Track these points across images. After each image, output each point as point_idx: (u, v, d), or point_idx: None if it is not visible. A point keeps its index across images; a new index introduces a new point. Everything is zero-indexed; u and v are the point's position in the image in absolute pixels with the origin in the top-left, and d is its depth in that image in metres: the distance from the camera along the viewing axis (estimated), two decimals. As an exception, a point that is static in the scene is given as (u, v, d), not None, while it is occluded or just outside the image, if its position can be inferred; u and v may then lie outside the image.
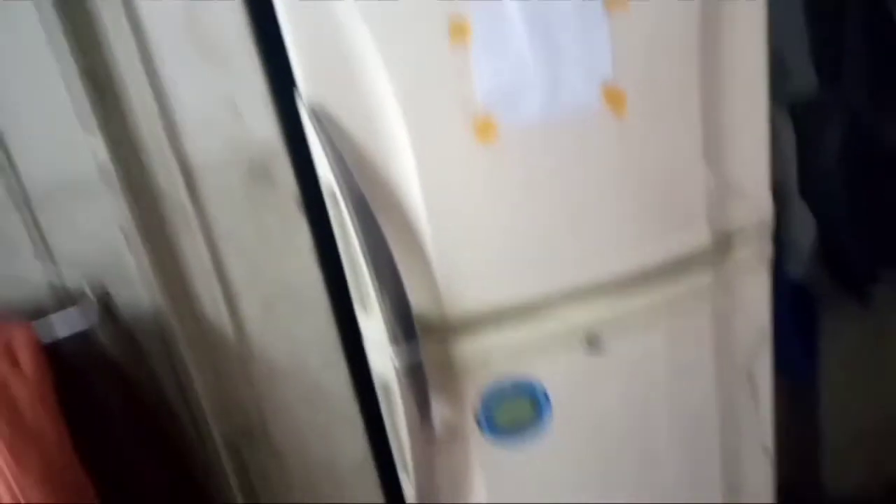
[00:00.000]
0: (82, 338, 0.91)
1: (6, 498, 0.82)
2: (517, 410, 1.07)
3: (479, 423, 1.07)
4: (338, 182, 0.93)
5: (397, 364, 0.98)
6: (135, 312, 0.96)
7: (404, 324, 0.97)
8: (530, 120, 0.97)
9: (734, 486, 1.24)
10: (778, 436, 1.26)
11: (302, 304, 1.01)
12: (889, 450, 1.69)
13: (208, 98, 0.91)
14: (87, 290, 0.91)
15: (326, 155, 0.93)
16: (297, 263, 0.99)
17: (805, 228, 1.38)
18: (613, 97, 0.99)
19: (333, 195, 0.95)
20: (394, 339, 0.97)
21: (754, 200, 1.10)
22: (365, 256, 0.95)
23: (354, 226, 0.94)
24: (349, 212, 0.94)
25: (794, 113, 1.34)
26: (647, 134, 1.02)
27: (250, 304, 1.00)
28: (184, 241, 0.95)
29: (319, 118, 0.92)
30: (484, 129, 0.97)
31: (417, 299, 0.99)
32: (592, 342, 1.06)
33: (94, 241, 0.93)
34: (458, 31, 0.92)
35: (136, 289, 0.94)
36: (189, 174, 0.93)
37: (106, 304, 0.93)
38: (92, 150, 0.87)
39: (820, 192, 1.39)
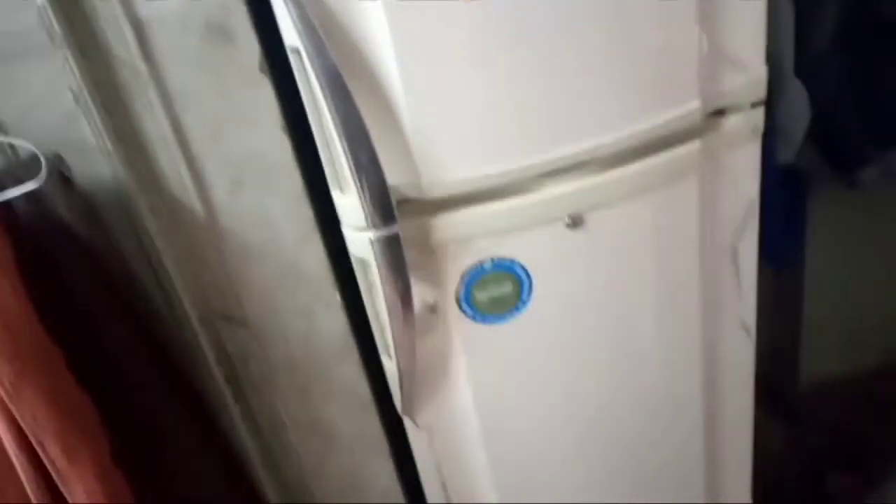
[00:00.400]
0: (36, 203, 0.86)
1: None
2: (498, 289, 1.05)
3: (459, 302, 1.05)
4: (304, 44, 0.86)
5: (375, 245, 0.94)
6: (93, 182, 0.90)
7: (381, 204, 0.93)
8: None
9: (714, 362, 1.24)
10: (758, 319, 1.25)
11: (272, 177, 0.96)
12: (868, 335, 1.71)
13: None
14: (41, 158, 0.85)
15: (290, 13, 0.86)
16: (264, 133, 0.93)
17: (798, 107, 1.34)
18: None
19: (300, 59, 0.88)
20: (371, 221, 0.93)
21: (748, 72, 1.04)
22: (336, 127, 0.89)
23: (324, 94, 0.88)
24: (317, 78, 0.88)
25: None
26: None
27: (217, 176, 0.95)
28: (140, 106, 0.89)
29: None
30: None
31: (394, 175, 0.94)
32: (576, 218, 1.02)
33: (45, 106, 0.86)
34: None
35: (94, 157, 0.88)
36: (140, 30, 0.85)
37: (60, 171, 0.87)
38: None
39: (816, 70, 1.35)
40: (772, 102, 1.15)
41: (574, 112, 0.98)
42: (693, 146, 1.04)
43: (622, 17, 0.96)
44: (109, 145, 0.88)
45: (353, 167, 0.91)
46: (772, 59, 1.11)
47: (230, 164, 0.95)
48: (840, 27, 1.35)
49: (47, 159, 0.86)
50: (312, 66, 0.87)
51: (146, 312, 0.98)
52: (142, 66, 0.87)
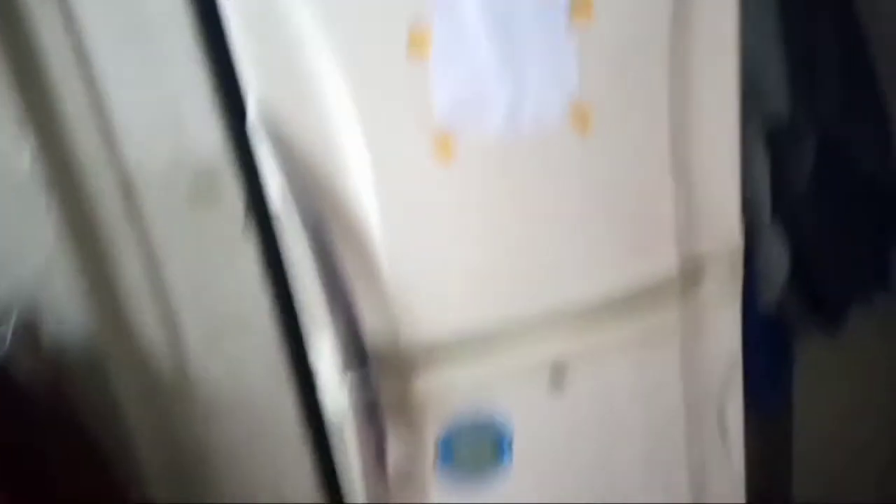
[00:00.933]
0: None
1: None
2: (477, 448, 1.01)
3: (436, 462, 1.01)
4: (288, 200, 0.87)
5: (350, 395, 0.91)
6: (63, 336, 0.88)
7: (357, 348, 0.91)
8: (491, 137, 0.92)
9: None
10: (748, 469, 1.21)
11: (248, 333, 0.94)
12: (858, 477, 1.66)
13: (150, 102, 0.85)
14: (13, 312, 0.83)
15: (277, 170, 0.87)
16: (244, 287, 0.93)
17: (777, 255, 1.35)
18: (579, 114, 0.94)
19: (283, 213, 0.89)
20: (346, 366, 0.90)
21: (725, 224, 1.06)
22: (316, 281, 0.89)
23: (306, 248, 0.88)
24: (300, 233, 0.88)
25: (767, 135, 1.31)
26: (614, 152, 0.97)
27: (192, 330, 0.93)
28: (119, 259, 0.88)
29: (269, 130, 0.86)
30: (443, 145, 0.91)
31: (373, 328, 0.93)
32: (557, 376, 1.00)
33: (23, 253, 0.85)
34: (417, 42, 0.87)
35: (67, 310, 0.86)
36: (126, 185, 0.86)
37: (29, 328, 0.85)
38: (17, 149, 0.80)
39: (793, 217, 1.36)
40: (750, 250, 1.16)
41: (552, 267, 0.99)
42: (672, 302, 1.03)
43: (596, 174, 0.97)
44: (84, 296, 0.86)
45: (328, 312, 0.90)
46: (748, 205, 1.13)
47: (206, 316, 0.93)
48: (816, 172, 1.36)
49: (20, 314, 0.85)
50: (294, 219, 0.87)
51: (103, 476, 0.93)
52: (125, 220, 0.87)
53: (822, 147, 1.33)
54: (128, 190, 0.86)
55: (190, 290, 0.91)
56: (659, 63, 0.95)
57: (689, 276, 1.05)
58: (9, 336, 0.81)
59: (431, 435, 0.99)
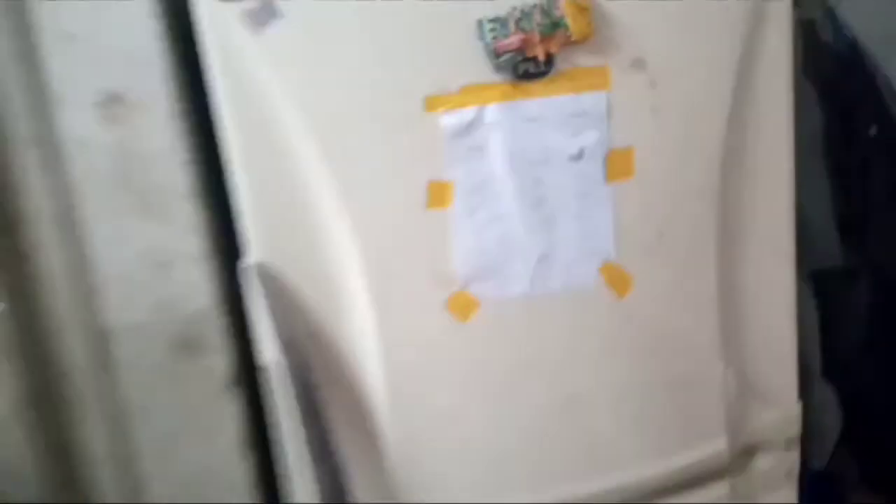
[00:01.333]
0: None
1: None
2: None
3: None
4: (282, 362, 0.77)
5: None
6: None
7: None
8: (516, 299, 0.82)
9: None
10: None
11: (226, 500, 0.82)
12: None
13: (136, 252, 0.76)
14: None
15: (269, 321, 0.77)
16: (222, 450, 0.81)
17: (829, 410, 1.21)
18: (614, 276, 0.84)
19: (272, 368, 0.78)
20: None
21: (780, 407, 0.93)
22: (303, 446, 0.77)
23: (294, 408, 0.77)
24: (290, 392, 0.77)
25: (816, 280, 1.20)
26: (654, 319, 0.86)
27: (161, 498, 0.81)
28: (85, 419, 0.78)
29: (265, 278, 0.77)
30: (462, 306, 0.81)
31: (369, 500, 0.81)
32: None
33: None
34: (437, 194, 0.78)
35: (20, 472, 0.76)
36: (101, 339, 0.76)
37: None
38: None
39: (845, 372, 1.23)
40: (802, 406, 1.03)
41: (585, 447, 0.87)
42: (721, 488, 0.90)
43: (635, 341, 0.86)
44: (37, 466, 0.76)
45: (319, 493, 0.78)
46: (799, 361, 1.01)
47: (178, 484, 0.82)
48: (869, 320, 1.26)
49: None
50: (287, 384, 0.77)
51: None
52: (94, 381, 0.77)
53: (876, 293, 1.24)
54: (102, 344, 0.77)
55: (160, 456, 0.81)
56: (705, 220, 0.85)
57: (740, 462, 0.92)
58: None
59: None
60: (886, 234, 1.26)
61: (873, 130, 1.29)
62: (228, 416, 0.82)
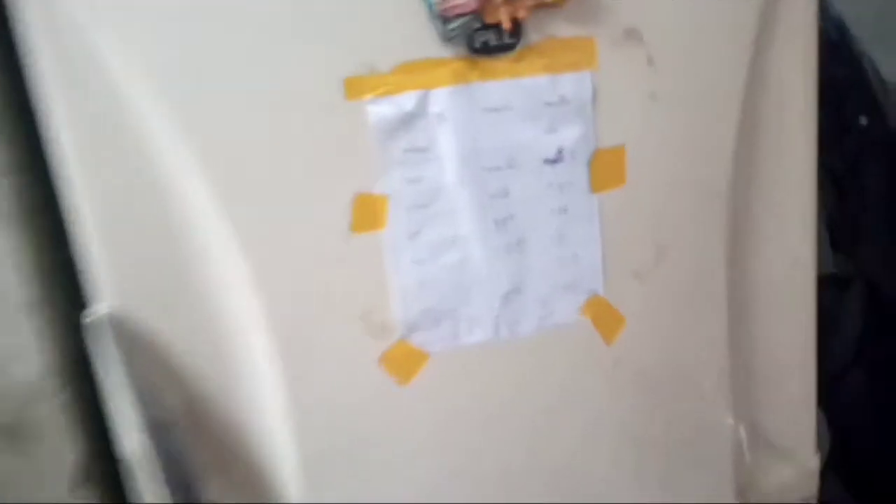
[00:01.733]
0: None
1: None
2: None
3: None
4: (149, 450, 0.54)
5: None
6: None
7: None
8: (475, 350, 0.62)
9: None
10: None
11: None
12: None
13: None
14: None
15: (135, 404, 0.54)
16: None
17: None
18: (602, 315, 0.65)
19: (135, 459, 0.56)
20: None
21: (796, 457, 0.76)
22: None
23: None
24: (161, 491, 0.55)
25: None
26: (651, 365, 0.68)
27: None
28: None
29: (125, 343, 0.54)
30: (402, 361, 0.61)
31: None
32: None
33: None
34: (366, 212, 0.57)
35: None
36: None
37: None
38: None
39: (833, 395, 1.10)
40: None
41: None
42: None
43: (633, 400, 0.67)
44: None
45: None
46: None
47: None
48: (860, 340, 1.14)
49: None
50: (158, 475, 0.55)
51: None
52: None
53: (869, 304, 1.12)
54: None
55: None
56: (713, 238, 0.67)
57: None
58: None
59: None
60: (880, 240, 1.15)
61: (863, 121, 1.17)
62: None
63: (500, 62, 0.57)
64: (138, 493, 0.57)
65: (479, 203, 0.59)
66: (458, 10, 0.54)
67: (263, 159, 0.54)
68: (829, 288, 1.07)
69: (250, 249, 0.55)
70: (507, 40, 0.57)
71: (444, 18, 0.54)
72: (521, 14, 0.55)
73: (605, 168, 0.61)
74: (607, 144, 0.61)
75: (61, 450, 0.57)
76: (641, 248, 0.65)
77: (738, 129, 0.65)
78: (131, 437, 0.56)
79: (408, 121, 0.56)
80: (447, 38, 0.55)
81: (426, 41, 0.55)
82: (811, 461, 0.78)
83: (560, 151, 0.60)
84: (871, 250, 1.15)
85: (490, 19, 0.55)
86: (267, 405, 0.58)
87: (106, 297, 0.54)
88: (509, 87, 0.58)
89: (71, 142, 0.52)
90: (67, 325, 0.56)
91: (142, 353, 0.55)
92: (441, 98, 0.56)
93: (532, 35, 0.58)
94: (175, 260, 0.55)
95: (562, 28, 0.58)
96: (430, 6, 0.54)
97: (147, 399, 0.55)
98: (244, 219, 0.55)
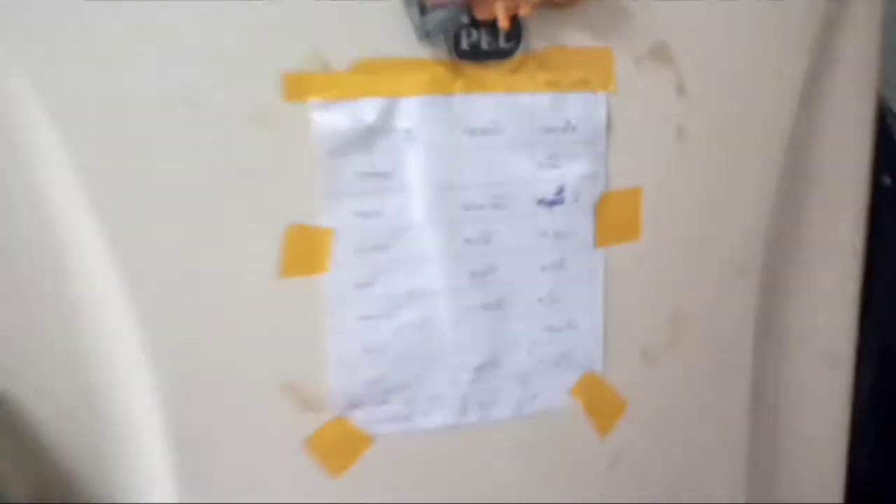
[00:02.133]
0: None
1: None
2: None
3: None
4: None
5: None
6: None
7: None
8: (432, 436, 0.48)
9: None
10: None
11: None
12: None
13: None
14: None
15: None
16: None
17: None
18: (597, 398, 0.51)
19: None
20: None
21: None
22: None
23: None
24: None
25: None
26: (657, 463, 0.54)
27: None
28: None
29: None
30: (336, 446, 0.47)
31: None
32: None
33: None
34: (302, 250, 0.43)
35: None
36: None
37: None
38: None
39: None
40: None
41: None
42: None
43: (641, 498, 0.53)
44: None
45: None
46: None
47: None
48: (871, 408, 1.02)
49: None
50: None
51: None
52: None
53: (881, 376, 1.01)
54: None
55: None
56: (742, 308, 0.54)
57: None
58: None
59: None
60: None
61: (887, 181, 1.05)
62: None
63: (492, 71, 0.44)
64: None
65: (451, 249, 0.46)
66: (439, 0, 0.42)
67: (164, 174, 0.41)
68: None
69: (142, 299, 0.41)
70: (502, 44, 0.44)
71: (421, 6, 0.42)
72: (524, 11, 0.43)
73: (615, 216, 0.49)
74: (620, 186, 0.48)
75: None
76: (653, 321, 0.51)
77: (779, 180, 0.52)
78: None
79: (366, 136, 0.43)
80: (424, 34, 0.42)
81: (398, 35, 0.42)
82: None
83: (560, 191, 0.47)
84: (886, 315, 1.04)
85: (482, 15, 0.43)
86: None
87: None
88: (501, 104, 0.45)
89: None
90: None
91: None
92: (412, 110, 0.43)
93: (535, 40, 0.45)
94: (41, 322, 0.42)
95: (573, 35, 0.46)
96: (405, -10, 0.42)
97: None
98: (138, 259, 0.41)
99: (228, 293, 0.42)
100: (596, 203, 0.48)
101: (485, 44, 0.44)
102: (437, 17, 0.42)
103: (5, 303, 0.40)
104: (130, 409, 0.43)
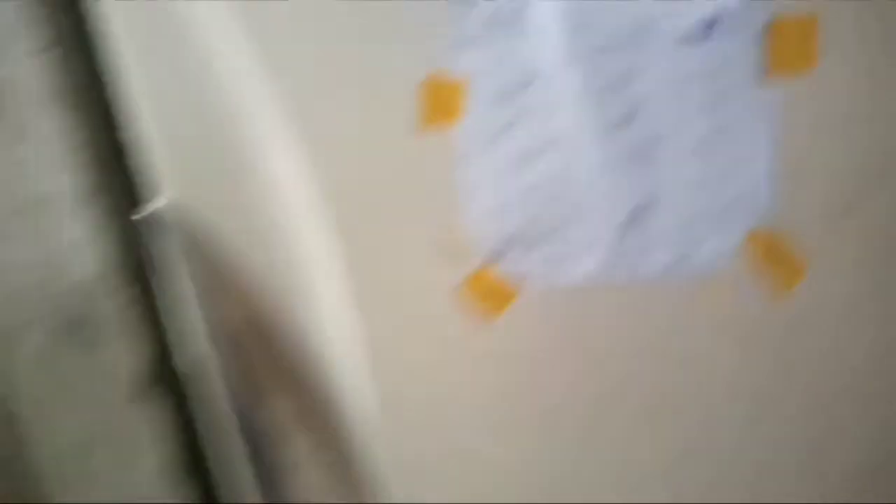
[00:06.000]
0: None
1: None
2: None
3: None
4: (212, 357, 0.50)
5: None
6: None
7: None
8: (581, 287, 0.47)
9: None
10: None
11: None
12: None
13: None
14: None
15: (197, 308, 0.50)
16: (146, 478, 0.56)
17: None
18: (773, 252, 0.46)
19: (201, 374, 0.52)
20: None
21: None
22: (245, 472, 0.52)
23: (231, 424, 0.51)
24: (224, 400, 0.51)
25: None
26: (837, 343, 0.47)
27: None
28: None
29: (187, 240, 0.49)
30: (485, 293, 0.48)
31: None
32: None
33: None
34: (438, 100, 0.45)
35: None
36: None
37: None
38: None
39: None
40: None
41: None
42: None
43: (797, 365, 0.48)
44: None
45: None
46: None
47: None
48: None
49: None
50: (218, 386, 0.50)
51: None
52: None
53: None
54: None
55: (66, 478, 0.57)
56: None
57: None
58: None
59: None
60: None
61: None
62: (148, 430, 0.56)
63: None
64: (200, 403, 0.53)
65: (591, 93, 0.44)
66: None
67: (316, 34, 0.44)
68: None
69: (309, 142, 0.46)
70: None
71: None
72: None
73: (787, 43, 0.42)
74: (793, 9, 0.42)
75: (125, 351, 0.54)
76: (839, 166, 0.44)
77: None
78: (193, 343, 0.51)
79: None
80: None
81: None
82: None
83: (714, 18, 0.42)
84: None
85: None
86: (331, 329, 0.50)
87: (163, 190, 0.49)
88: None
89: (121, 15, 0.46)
90: (124, 220, 0.52)
91: (201, 254, 0.50)
92: (538, -55, 0.41)
93: None
94: (234, 154, 0.48)
95: None
96: None
97: (208, 301, 0.50)
98: (303, 107, 0.46)
99: (377, 141, 0.45)
100: (763, 29, 0.42)
101: None
102: None
103: (209, 141, 0.47)
104: (309, 242, 0.48)
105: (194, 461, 0.57)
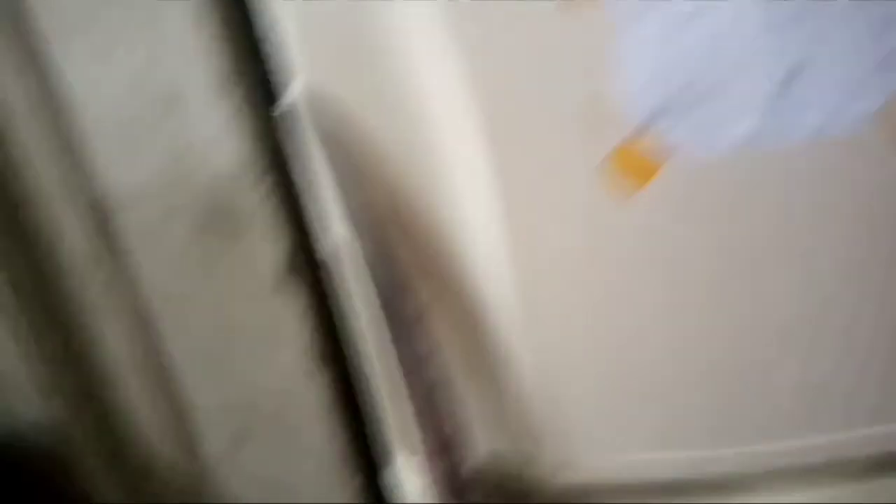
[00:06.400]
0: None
1: None
2: None
3: None
4: (354, 244, 0.51)
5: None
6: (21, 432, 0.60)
7: (454, 478, 0.54)
8: (731, 155, 0.47)
9: None
10: None
11: (292, 427, 0.61)
12: None
13: (131, 96, 0.51)
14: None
15: (339, 194, 0.50)
16: (284, 363, 0.58)
17: None
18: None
19: (340, 256, 0.53)
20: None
21: None
22: (389, 363, 0.53)
23: (374, 313, 0.52)
24: (367, 290, 0.52)
25: None
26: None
27: (210, 426, 0.61)
28: (92, 325, 0.58)
29: (327, 127, 0.49)
30: (633, 166, 0.48)
31: (487, 450, 0.58)
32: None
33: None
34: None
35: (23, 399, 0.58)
36: (96, 211, 0.54)
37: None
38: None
39: None
40: None
41: (807, 385, 0.53)
42: None
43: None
44: (39, 380, 0.57)
45: (418, 430, 0.54)
46: None
47: (230, 408, 0.61)
48: None
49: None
50: (360, 272, 0.51)
51: None
52: (97, 268, 0.55)
53: None
54: (99, 220, 0.54)
55: (203, 365, 0.59)
56: None
57: None
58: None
59: None
60: None
61: None
62: (286, 320, 0.58)
63: None
64: (342, 291, 0.54)
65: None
66: None
67: None
68: None
69: (457, 40, 0.45)
70: None
71: None
72: None
73: None
74: None
75: (266, 239, 0.55)
76: None
77: None
78: (334, 230, 0.52)
79: None
80: None
81: None
82: None
83: None
84: None
85: None
86: (475, 205, 0.50)
87: (300, 73, 0.49)
88: None
89: None
90: (262, 109, 0.52)
91: (340, 138, 0.50)
92: None
93: None
94: (374, 32, 0.47)
95: None
96: None
97: (349, 189, 0.50)
98: (458, 17, 0.45)
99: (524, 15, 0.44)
100: None
101: None
102: None
103: (347, 18, 0.46)
104: (452, 116, 0.48)
105: (333, 351, 0.59)
